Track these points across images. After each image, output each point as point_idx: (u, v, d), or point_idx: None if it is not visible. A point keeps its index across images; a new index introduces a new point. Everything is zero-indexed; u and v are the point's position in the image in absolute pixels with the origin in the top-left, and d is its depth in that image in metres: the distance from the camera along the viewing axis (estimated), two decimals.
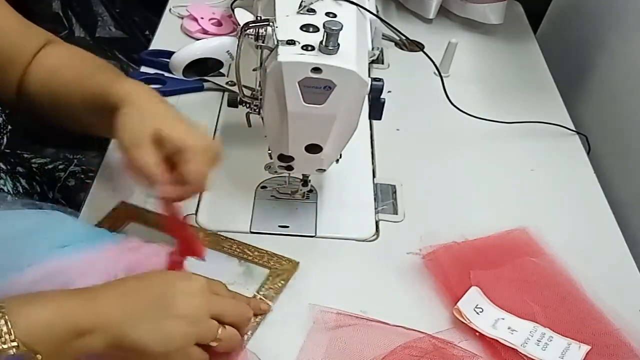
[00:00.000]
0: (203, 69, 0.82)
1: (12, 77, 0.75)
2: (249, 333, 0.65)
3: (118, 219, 0.75)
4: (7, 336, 0.49)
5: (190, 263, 0.67)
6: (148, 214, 0.76)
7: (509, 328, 0.67)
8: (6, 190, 0.74)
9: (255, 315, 0.66)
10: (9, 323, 0.50)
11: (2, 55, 0.73)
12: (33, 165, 0.82)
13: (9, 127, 0.78)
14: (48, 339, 0.52)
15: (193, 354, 0.58)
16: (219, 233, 0.75)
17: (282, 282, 0.70)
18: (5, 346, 0.49)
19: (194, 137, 0.64)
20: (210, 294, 0.60)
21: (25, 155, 0.84)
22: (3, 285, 0.57)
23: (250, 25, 0.64)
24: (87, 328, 0.54)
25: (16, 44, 0.74)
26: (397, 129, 0.96)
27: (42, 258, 0.61)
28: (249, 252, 0.73)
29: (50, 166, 0.82)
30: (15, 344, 0.49)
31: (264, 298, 0.69)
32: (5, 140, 0.75)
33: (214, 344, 0.58)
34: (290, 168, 0.73)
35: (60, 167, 0.82)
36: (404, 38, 1.00)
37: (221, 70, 0.90)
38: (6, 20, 0.74)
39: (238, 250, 0.73)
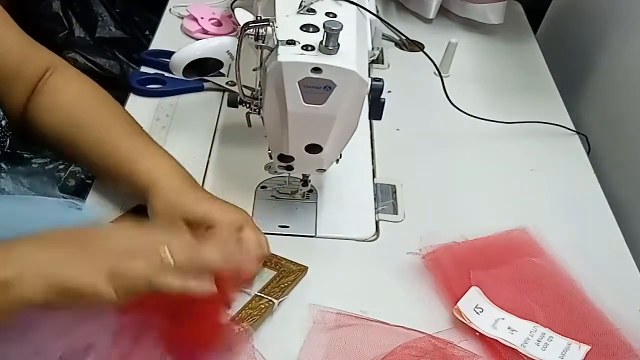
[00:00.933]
0: (203, 69, 0.82)
1: (16, 95, 0.75)
2: (250, 328, 0.64)
3: (132, 219, 0.75)
4: None
5: None
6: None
7: (509, 328, 0.67)
8: (7, 190, 0.74)
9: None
10: None
11: (6, 72, 0.74)
12: (33, 165, 0.82)
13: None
14: None
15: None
16: None
17: (288, 283, 0.70)
18: None
19: (226, 211, 0.67)
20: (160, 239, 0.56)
21: (26, 156, 0.84)
22: None
23: (250, 25, 0.64)
24: (9, 278, 0.50)
25: (21, 62, 0.74)
26: (397, 129, 0.96)
27: None
28: None
29: (50, 166, 0.82)
30: None
31: (265, 296, 0.68)
32: (8, 142, 0.75)
33: (168, 261, 0.53)
34: (290, 168, 0.73)
35: (61, 167, 0.82)
36: (404, 38, 1.00)
37: (221, 70, 0.89)
38: (12, 38, 0.74)
39: None
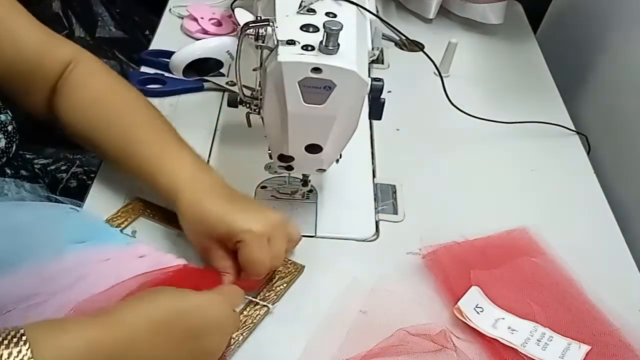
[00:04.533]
0: (203, 69, 0.82)
1: (38, 91, 0.74)
2: (239, 338, 0.64)
3: (130, 214, 0.75)
4: None
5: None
6: (159, 209, 0.76)
7: (509, 328, 0.67)
8: (10, 195, 0.74)
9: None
10: (29, 352, 0.46)
11: (25, 69, 0.73)
12: (36, 166, 0.82)
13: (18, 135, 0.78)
14: None
15: None
16: None
17: (284, 285, 0.70)
18: None
19: (249, 225, 0.65)
20: (236, 319, 0.63)
21: (28, 156, 0.84)
22: (21, 273, 0.57)
23: (250, 25, 0.64)
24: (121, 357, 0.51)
25: (40, 57, 0.73)
26: (397, 129, 0.96)
27: (60, 250, 0.61)
28: None
29: (52, 167, 0.82)
30: None
31: (261, 301, 0.68)
32: (14, 148, 0.75)
33: None
34: (290, 168, 0.73)
35: (63, 168, 0.82)
36: (404, 38, 1.00)
37: (221, 70, 0.89)
38: (28, 32, 0.73)
39: None
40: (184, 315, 0.55)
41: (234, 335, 0.63)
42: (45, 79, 0.74)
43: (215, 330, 0.58)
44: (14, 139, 0.75)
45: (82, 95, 0.74)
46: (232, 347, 0.63)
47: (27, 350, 0.45)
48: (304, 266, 0.72)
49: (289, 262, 0.72)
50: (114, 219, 0.74)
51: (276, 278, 0.70)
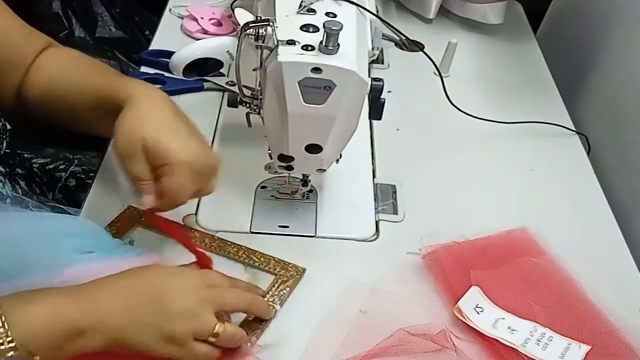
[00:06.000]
0: (203, 69, 0.82)
1: (12, 82, 0.75)
2: (254, 338, 0.64)
3: (125, 223, 0.75)
4: (4, 337, 0.49)
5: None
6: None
7: (509, 328, 0.67)
8: (5, 193, 0.74)
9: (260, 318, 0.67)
10: (6, 324, 0.50)
11: (3, 60, 0.73)
12: (34, 165, 0.82)
13: (9, 129, 0.78)
14: (46, 340, 0.52)
15: (195, 349, 0.58)
16: (221, 236, 0.75)
17: (288, 289, 0.70)
18: (2, 347, 0.49)
19: (180, 150, 0.64)
20: (205, 288, 0.60)
21: (26, 156, 0.84)
22: (30, 283, 0.57)
23: (250, 25, 0.64)
24: (85, 329, 0.54)
25: (17, 49, 0.74)
26: (397, 129, 0.96)
27: (70, 261, 0.62)
28: (255, 257, 0.73)
29: (51, 166, 0.82)
30: (13, 344, 0.50)
31: (272, 304, 0.68)
32: (4, 144, 0.75)
33: (212, 339, 0.58)
34: (290, 168, 0.73)
35: (61, 167, 0.82)
36: (404, 38, 1.00)
37: (221, 70, 0.90)
38: (7, 25, 0.74)
39: (244, 256, 0.73)
40: (144, 279, 0.59)
41: (245, 337, 0.63)
42: (20, 70, 0.74)
43: (176, 289, 0.58)
44: (4, 137, 0.75)
45: (49, 68, 0.75)
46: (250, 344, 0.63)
47: (0, 324, 0.50)
48: (304, 269, 0.72)
49: (290, 265, 0.72)
50: (111, 228, 0.74)
51: (279, 282, 0.70)
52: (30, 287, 0.56)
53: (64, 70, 0.75)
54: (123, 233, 0.74)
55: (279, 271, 0.71)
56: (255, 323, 0.66)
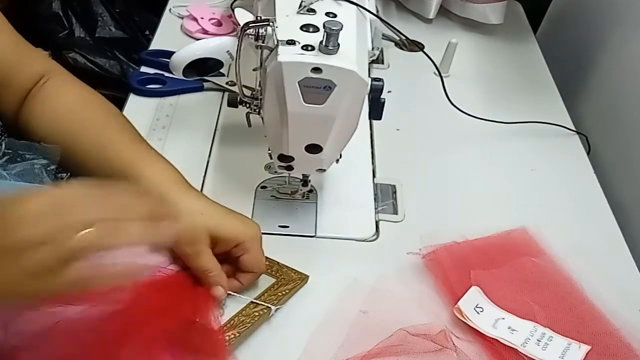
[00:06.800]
0: (203, 69, 0.82)
1: (8, 100, 0.74)
2: (236, 336, 0.64)
3: None
4: None
5: None
6: None
7: (509, 328, 0.67)
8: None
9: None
10: None
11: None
12: (36, 166, 0.82)
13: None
14: None
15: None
16: None
17: (286, 291, 0.69)
18: None
19: (244, 227, 0.67)
20: (57, 208, 0.48)
21: (28, 156, 0.83)
22: None
23: (250, 25, 0.65)
24: None
25: (13, 67, 0.73)
26: (397, 129, 0.96)
27: None
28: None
29: (52, 167, 0.82)
30: None
31: (262, 302, 0.67)
32: (4, 145, 0.75)
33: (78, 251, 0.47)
34: (290, 168, 0.73)
35: (52, 167, 0.82)
36: (404, 38, 1.00)
37: (221, 70, 0.89)
38: (4, 42, 0.73)
39: None
40: None
41: (229, 334, 0.63)
42: (15, 89, 0.74)
43: (25, 216, 0.47)
44: (4, 137, 0.75)
45: (55, 105, 0.74)
46: (230, 344, 0.63)
47: None
48: (308, 276, 0.71)
49: (293, 270, 0.72)
50: None
51: (278, 285, 0.70)
52: None
53: (72, 113, 0.74)
54: None
55: (281, 275, 0.71)
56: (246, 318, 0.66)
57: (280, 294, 0.69)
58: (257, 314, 0.66)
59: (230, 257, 0.67)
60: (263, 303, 0.67)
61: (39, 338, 0.53)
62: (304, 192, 0.81)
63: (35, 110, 0.74)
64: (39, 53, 0.78)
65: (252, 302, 0.67)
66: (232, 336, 0.63)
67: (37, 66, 0.76)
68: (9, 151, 0.79)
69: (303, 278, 0.71)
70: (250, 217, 0.78)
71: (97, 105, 0.76)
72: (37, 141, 0.74)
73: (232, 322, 0.65)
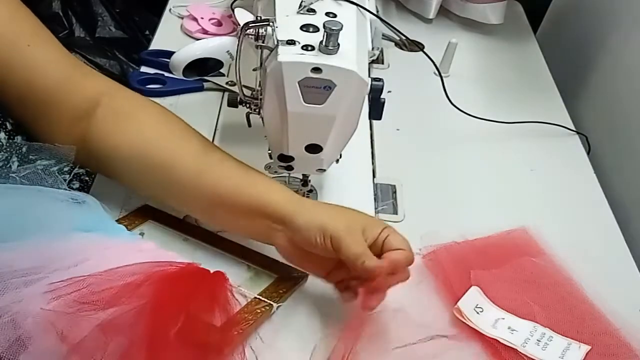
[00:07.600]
0: (203, 69, 0.82)
1: (58, 118, 0.72)
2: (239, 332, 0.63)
3: (138, 217, 0.75)
4: None
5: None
6: (169, 217, 0.76)
7: (509, 328, 0.67)
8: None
9: None
10: None
11: (44, 96, 0.71)
12: (38, 167, 0.82)
13: (9, 129, 0.77)
14: None
15: None
16: (221, 235, 0.75)
17: (287, 288, 0.69)
18: None
19: (395, 232, 0.66)
20: None
21: (31, 157, 0.83)
22: (24, 249, 0.58)
23: (250, 25, 0.64)
24: None
25: (63, 82, 0.72)
26: (397, 129, 0.96)
27: (65, 235, 0.62)
28: (259, 258, 0.73)
29: (55, 168, 0.82)
30: None
31: (264, 299, 0.67)
32: (14, 147, 0.75)
33: None
34: (290, 168, 0.73)
35: (65, 169, 0.82)
36: (404, 38, 1.00)
37: (221, 70, 0.89)
38: (53, 59, 0.71)
39: (248, 256, 0.73)
40: None
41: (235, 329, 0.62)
42: (67, 105, 0.72)
43: None
44: (13, 137, 0.75)
45: (138, 127, 0.72)
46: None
47: None
48: (307, 274, 0.71)
49: (294, 269, 0.72)
50: (122, 221, 0.74)
51: (279, 282, 0.70)
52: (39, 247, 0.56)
53: (162, 139, 0.72)
54: (134, 225, 0.74)
55: (281, 272, 0.71)
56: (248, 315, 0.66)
57: (281, 291, 0.69)
58: (259, 311, 0.66)
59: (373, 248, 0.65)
60: (266, 300, 0.67)
61: (87, 341, 0.54)
62: (304, 192, 0.81)
63: (116, 132, 0.72)
64: (94, 74, 0.76)
65: (255, 298, 0.67)
66: (235, 333, 0.63)
67: (90, 89, 0.74)
68: (19, 152, 0.79)
69: (303, 275, 0.71)
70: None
71: (179, 132, 0.74)
72: (109, 168, 0.74)
73: (234, 319, 0.65)
